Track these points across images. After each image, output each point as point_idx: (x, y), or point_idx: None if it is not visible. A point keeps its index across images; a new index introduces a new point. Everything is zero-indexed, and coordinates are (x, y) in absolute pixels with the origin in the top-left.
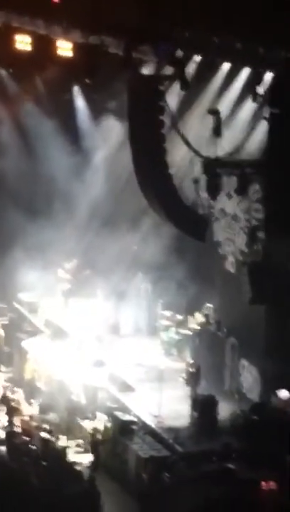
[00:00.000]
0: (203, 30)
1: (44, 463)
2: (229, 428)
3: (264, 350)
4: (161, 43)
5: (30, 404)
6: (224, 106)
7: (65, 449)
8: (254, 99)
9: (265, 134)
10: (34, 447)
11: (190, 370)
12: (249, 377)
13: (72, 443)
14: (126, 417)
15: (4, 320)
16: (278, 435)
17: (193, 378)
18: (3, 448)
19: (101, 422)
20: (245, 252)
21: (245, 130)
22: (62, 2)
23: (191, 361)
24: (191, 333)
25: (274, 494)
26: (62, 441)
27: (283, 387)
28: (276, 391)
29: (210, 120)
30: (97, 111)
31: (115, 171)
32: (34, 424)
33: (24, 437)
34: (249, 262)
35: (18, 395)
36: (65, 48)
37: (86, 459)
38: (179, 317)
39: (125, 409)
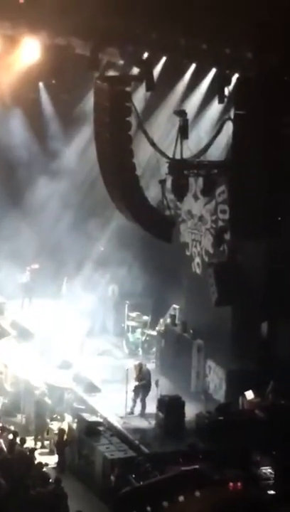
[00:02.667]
0: (169, 32)
1: (10, 464)
2: (195, 429)
3: (230, 352)
4: (128, 44)
5: None
6: (190, 107)
7: (31, 450)
8: (221, 101)
9: (230, 135)
10: (0, 449)
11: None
12: (215, 378)
13: (38, 444)
14: (93, 418)
15: None
16: (244, 436)
17: (138, 378)
18: None
19: (67, 423)
20: (211, 253)
21: (211, 131)
22: (29, 2)
23: (136, 362)
24: (157, 334)
25: (241, 494)
26: (29, 442)
27: (249, 388)
28: (244, 392)
29: (177, 121)
30: (64, 111)
31: (82, 172)
32: (0, 425)
33: None
34: (215, 263)
35: None
36: (31, 49)
37: (52, 460)
38: (145, 318)
39: (91, 410)
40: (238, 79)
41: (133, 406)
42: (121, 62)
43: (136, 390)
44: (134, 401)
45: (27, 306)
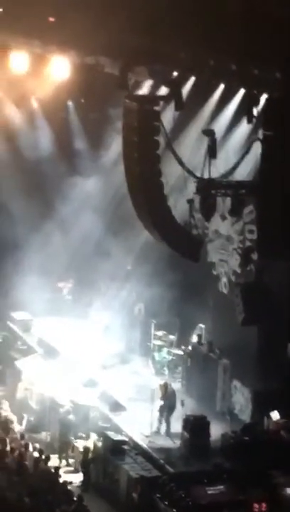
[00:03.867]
0: (198, 51)
1: (35, 482)
2: (220, 449)
3: (256, 372)
4: (157, 63)
5: (21, 422)
6: (219, 127)
7: (56, 468)
8: (249, 121)
9: (259, 156)
10: (25, 466)
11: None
12: (241, 398)
13: (63, 462)
14: (118, 437)
15: None
16: (269, 456)
17: (163, 398)
18: None
19: (92, 442)
20: (238, 273)
21: (239, 151)
22: (59, 21)
23: (162, 382)
24: (183, 354)
25: None
26: (53, 460)
27: (274, 409)
28: (269, 413)
29: (205, 141)
30: (92, 130)
31: (109, 191)
32: (25, 442)
33: (15, 456)
34: (242, 283)
35: (10, 414)
36: (60, 68)
37: (77, 478)
38: (171, 337)
39: (116, 429)
40: (267, 99)
41: (159, 425)
42: (150, 81)
43: (161, 409)
44: (160, 420)
45: (55, 325)
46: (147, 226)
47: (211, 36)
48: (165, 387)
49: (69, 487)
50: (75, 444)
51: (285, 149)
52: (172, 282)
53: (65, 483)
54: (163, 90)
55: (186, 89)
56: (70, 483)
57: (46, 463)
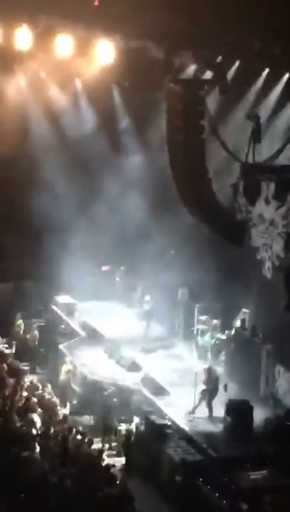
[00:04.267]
0: (244, 35)
1: (78, 465)
2: (263, 433)
3: None
4: (202, 47)
5: (64, 405)
6: (263, 111)
7: (98, 451)
8: None
9: None
10: (68, 449)
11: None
12: (284, 384)
13: (106, 445)
14: (161, 421)
15: (41, 322)
16: None
17: (206, 382)
18: (37, 449)
19: (135, 425)
20: (282, 258)
21: (284, 135)
22: (104, 5)
23: (206, 366)
24: (226, 338)
25: None
26: (96, 443)
27: None
28: None
29: (249, 125)
30: (136, 114)
31: (154, 174)
32: (68, 426)
33: (58, 439)
34: (285, 268)
35: (53, 397)
36: (105, 51)
37: (119, 461)
38: (215, 322)
39: (159, 413)
40: None
41: (196, 407)
42: (195, 65)
43: (203, 393)
44: (199, 403)
45: (99, 308)
46: (191, 210)
47: (256, 20)
48: (209, 372)
49: (112, 470)
50: (118, 427)
51: None
52: (216, 267)
53: (108, 466)
54: (208, 74)
55: (231, 73)
56: (113, 466)
57: (89, 446)
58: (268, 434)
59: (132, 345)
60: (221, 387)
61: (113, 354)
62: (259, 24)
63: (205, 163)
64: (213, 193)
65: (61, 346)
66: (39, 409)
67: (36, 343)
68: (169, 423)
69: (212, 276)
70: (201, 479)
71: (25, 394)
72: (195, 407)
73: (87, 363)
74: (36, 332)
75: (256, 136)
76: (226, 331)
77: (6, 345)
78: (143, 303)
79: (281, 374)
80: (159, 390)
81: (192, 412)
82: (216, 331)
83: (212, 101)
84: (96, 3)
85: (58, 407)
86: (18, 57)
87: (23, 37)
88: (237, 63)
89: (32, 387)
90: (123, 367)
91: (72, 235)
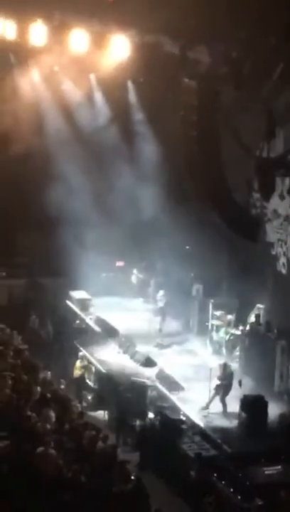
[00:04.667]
0: (259, 30)
1: (92, 461)
2: (278, 429)
3: None
4: (217, 42)
5: (79, 401)
6: (278, 106)
7: (113, 447)
8: None
9: None
10: (82, 445)
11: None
12: None
13: (120, 441)
14: (175, 416)
15: (55, 317)
16: None
17: (220, 378)
18: (52, 445)
19: (149, 421)
20: None
21: None
22: (119, 1)
23: (221, 362)
24: (241, 334)
25: None
26: (111, 439)
27: None
28: None
29: (264, 120)
30: (151, 109)
31: (167, 170)
32: (83, 421)
33: (72, 434)
34: None
35: (68, 392)
36: (120, 46)
37: (134, 457)
38: (230, 317)
39: (174, 408)
40: None
41: (210, 402)
42: (210, 60)
43: (218, 388)
44: (213, 398)
45: (113, 304)
46: (206, 205)
47: (272, 15)
48: (224, 367)
49: (126, 466)
50: (133, 423)
51: None
52: (230, 262)
53: (123, 462)
54: (223, 69)
55: (246, 68)
56: (128, 462)
57: (104, 442)
58: (282, 430)
59: (147, 340)
60: (235, 382)
61: (128, 349)
62: (275, 19)
63: (219, 159)
64: (228, 188)
65: (76, 342)
66: (54, 405)
67: (51, 338)
68: (184, 418)
69: (227, 271)
70: (215, 474)
71: (39, 389)
72: (209, 403)
73: (102, 359)
74: (51, 328)
75: (270, 131)
76: (240, 327)
77: (21, 342)
78: (158, 299)
79: None
80: (174, 386)
81: (206, 407)
82: (230, 327)
83: (227, 96)
84: None
85: (73, 403)
86: (33, 53)
87: (37, 32)
88: (253, 58)
89: (47, 383)
90: (138, 362)
91: (87, 230)
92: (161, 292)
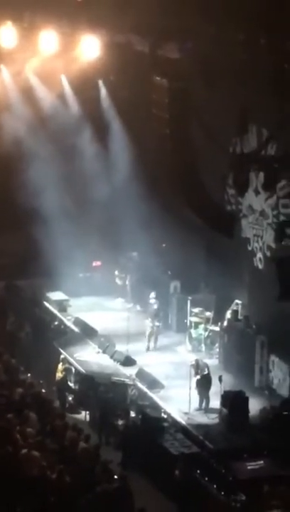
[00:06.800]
0: (228, 27)
1: (75, 461)
2: (259, 424)
3: None
4: (187, 40)
5: (60, 402)
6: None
7: (96, 447)
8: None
9: None
10: (65, 446)
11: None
12: (279, 373)
13: (103, 441)
14: (157, 414)
15: (33, 319)
16: None
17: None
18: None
19: (131, 420)
20: (273, 248)
21: (272, 125)
22: (87, 0)
23: (193, 362)
24: (220, 330)
25: None
26: (93, 439)
27: None
28: None
29: (237, 116)
30: (123, 108)
31: (141, 168)
32: (65, 422)
33: (55, 436)
34: (277, 258)
35: (49, 394)
36: (90, 46)
37: (117, 456)
38: (208, 314)
39: (155, 407)
40: None
41: (201, 402)
42: (180, 58)
43: (198, 384)
44: (200, 396)
45: (91, 304)
46: (181, 203)
47: (241, 10)
48: (196, 363)
49: (109, 466)
50: (115, 422)
51: None
52: (207, 259)
53: (105, 461)
54: (194, 66)
55: (216, 64)
56: (110, 461)
57: (86, 442)
58: (264, 425)
59: (126, 339)
60: (216, 378)
61: (107, 349)
62: (244, 15)
63: (192, 156)
64: (202, 184)
65: (55, 343)
66: (35, 407)
67: (30, 340)
68: (165, 416)
69: (204, 268)
70: (198, 471)
71: (20, 391)
72: (200, 403)
73: (82, 359)
74: (29, 330)
75: (243, 127)
76: (219, 323)
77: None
78: (150, 302)
79: (275, 364)
80: (154, 384)
81: (200, 408)
82: (209, 323)
83: (198, 93)
84: None
85: (54, 404)
86: (3, 55)
87: (7, 34)
88: (223, 54)
89: (27, 385)
90: (117, 362)
91: (62, 231)
92: (153, 294)
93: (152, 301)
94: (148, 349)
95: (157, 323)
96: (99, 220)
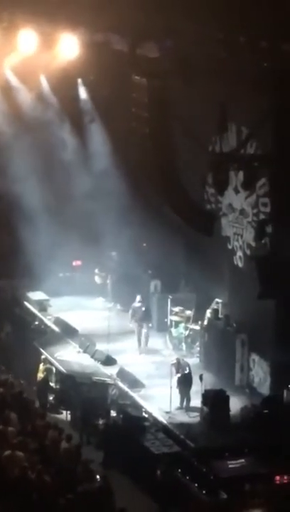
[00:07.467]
0: (208, 25)
1: (56, 461)
2: (240, 422)
3: (274, 344)
4: (166, 38)
5: (41, 402)
6: (230, 100)
7: (77, 447)
8: (260, 94)
9: (271, 127)
10: (46, 446)
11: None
12: (259, 372)
13: (84, 441)
14: (138, 414)
15: (14, 319)
16: None
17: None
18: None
19: (112, 419)
20: (253, 247)
21: (251, 123)
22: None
23: (173, 361)
24: (200, 329)
25: (288, 488)
26: (75, 439)
27: None
28: (288, 385)
29: (216, 115)
30: (103, 107)
31: (121, 168)
32: (46, 422)
33: (36, 435)
34: (257, 257)
35: (30, 394)
36: (69, 45)
37: (98, 456)
38: (188, 312)
39: (136, 406)
40: (278, 71)
41: (182, 400)
42: (160, 56)
43: (179, 383)
44: (181, 394)
45: (71, 304)
46: (161, 201)
47: (220, 9)
48: (177, 362)
49: (90, 465)
50: (96, 422)
51: None
52: (187, 257)
53: (87, 461)
54: (173, 65)
55: (196, 63)
56: (92, 461)
57: (67, 442)
58: (245, 423)
59: (107, 339)
60: (196, 377)
61: (88, 349)
62: (223, 14)
63: (172, 155)
64: (182, 183)
65: (35, 343)
66: (16, 407)
67: (10, 340)
68: (146, 415)
69: (184, 267)
70: (180, 470)
71: (1, 391)
72: (181, 402)
73: (62, 359)
74: (10, 329)
75: (222, 125)
76: (199, 322)
77: None
78: (136, 305)
79: (256, 362)
80: (135, 383)
81: (181, 407)
82: (190, 322)
83: (177, 92)
84: None
85: (35, 404)
86: None
87: None
88: (202, 53)
89: (8, 385)
90: (98, 361)
91: (42, 231)
92: (139, 297)
93: (138, 304)
94: (141, 352)
95: (146, 328)
96: (79, 220)
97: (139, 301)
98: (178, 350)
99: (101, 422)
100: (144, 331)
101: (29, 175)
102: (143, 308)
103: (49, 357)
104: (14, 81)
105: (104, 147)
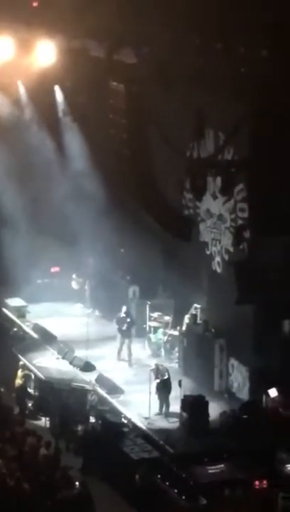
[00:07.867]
0: (184, 32)
1: (35, 468)
2: (219, 428)
3: (252, 350)
4: (143, 44)
5: (20, 408)
6: (207, 106)
7: (55, 453)
8: (237, 100)
9: (248, 133)
10: (24, 452)
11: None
12: (238, 377)
13: (63, 447)
14: (117, 420)
15: None
16: (269, 434)
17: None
18: None
19: (91, 425)
20: (231, 252)
21: (228, 129)
22: (43, 5)
23: (153, 367)
24: (179, 334)
25: (267, 493)
26: (53, 445)
27: (272, 386)
28: (267, 390)
29: (193, 121)
30: (80, 113)
31: (99, 174)
32: (24, 429)
33: (15, 442)
34: (235, 262)
35: (9, 401)
36: (46, 52)
37: (77, 462)
38: (167, 318)
39: (115, 412)
40: (255, 77)
41: (161, 406)
42: (137, 63)
43: (158, 388)
44: (160, 400)
45: (50, 310)
46: (139, 207)
47: (196, 16)
48: (156, 368)
49: (69, 472)
50: (75, 428)
51: (274, 126)
52: (166, 263)
53: (66, 467)
54: (151, 71)
55: (173, 69)
56: (71, 468)
57: (46, 448)
58: (224, 428)
59: (85, 345)
60: (176, 383)
61: (66, 355)
62: (200, 20)
63: (150, 161)
64: (159, 189)
65: (14, 349)
66: None
67: None
68: (125, 421)
69: (163, 272)
70: (159, 476)
71: None
72: (160, 408)
73: (41, 365)
74: None
75: (200, 131)
76: (178, 327)
77: None
78: (121, 316)
79: (234, 368)
80: (113, 389)
81: (160, 412)
82: (168, 328)
83: (155, 98)
84: (34, 3)
85: (14, 411)
86: None
87: None
88: (179, 59)
89: None
90: (77, 367)
91: (20, 237)
92: (124, 308)
93: (123, 315)
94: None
95: (129, 341)
96: (56, 225)
97: (125, 312)
98: (157, 355)
99: (80, 428)
100: (127, 341)
101: (6, 180)
102: (129, 320)
103: (27, 363)
104: None
105: (82, 153)
